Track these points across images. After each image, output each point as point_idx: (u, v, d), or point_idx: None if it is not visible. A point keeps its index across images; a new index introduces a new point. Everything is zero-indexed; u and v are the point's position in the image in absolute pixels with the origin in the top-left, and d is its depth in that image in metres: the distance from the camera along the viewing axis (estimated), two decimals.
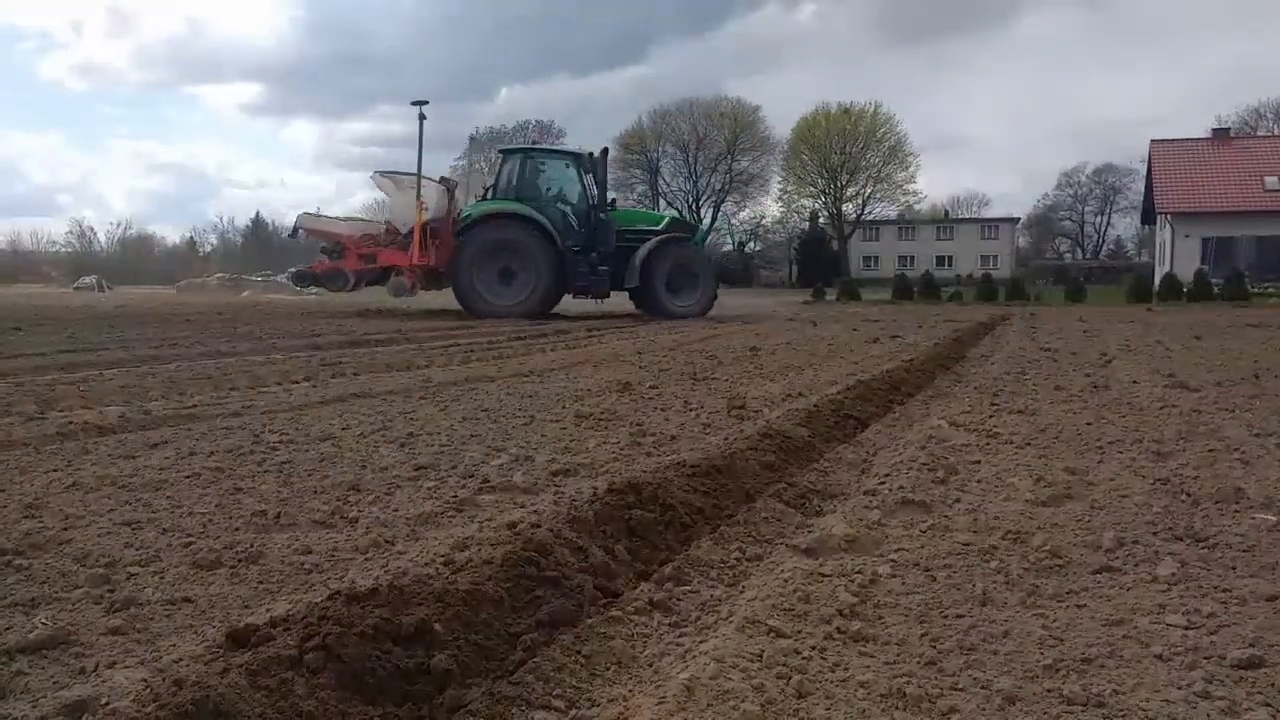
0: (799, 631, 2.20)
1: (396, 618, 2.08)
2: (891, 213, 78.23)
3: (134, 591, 2.48)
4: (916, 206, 79.48)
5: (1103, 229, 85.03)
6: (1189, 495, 3.46)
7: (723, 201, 77.67)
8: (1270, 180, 42.65)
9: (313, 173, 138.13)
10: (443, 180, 21.01)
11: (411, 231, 18.67)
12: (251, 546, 2.87)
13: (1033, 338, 12.16)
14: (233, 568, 2.71)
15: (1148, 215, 50.50)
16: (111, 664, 2.04)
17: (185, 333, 12.19)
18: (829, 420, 5.17)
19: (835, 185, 73.75)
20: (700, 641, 2.17)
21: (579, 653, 2.12)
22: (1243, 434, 4.64)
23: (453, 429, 4.92)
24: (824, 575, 2.59)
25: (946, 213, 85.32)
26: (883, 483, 3.67)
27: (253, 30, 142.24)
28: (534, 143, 21.32)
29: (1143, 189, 51.98)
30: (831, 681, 1.98)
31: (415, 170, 19.10)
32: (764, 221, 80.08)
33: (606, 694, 1.97)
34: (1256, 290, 30.68)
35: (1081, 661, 2.07)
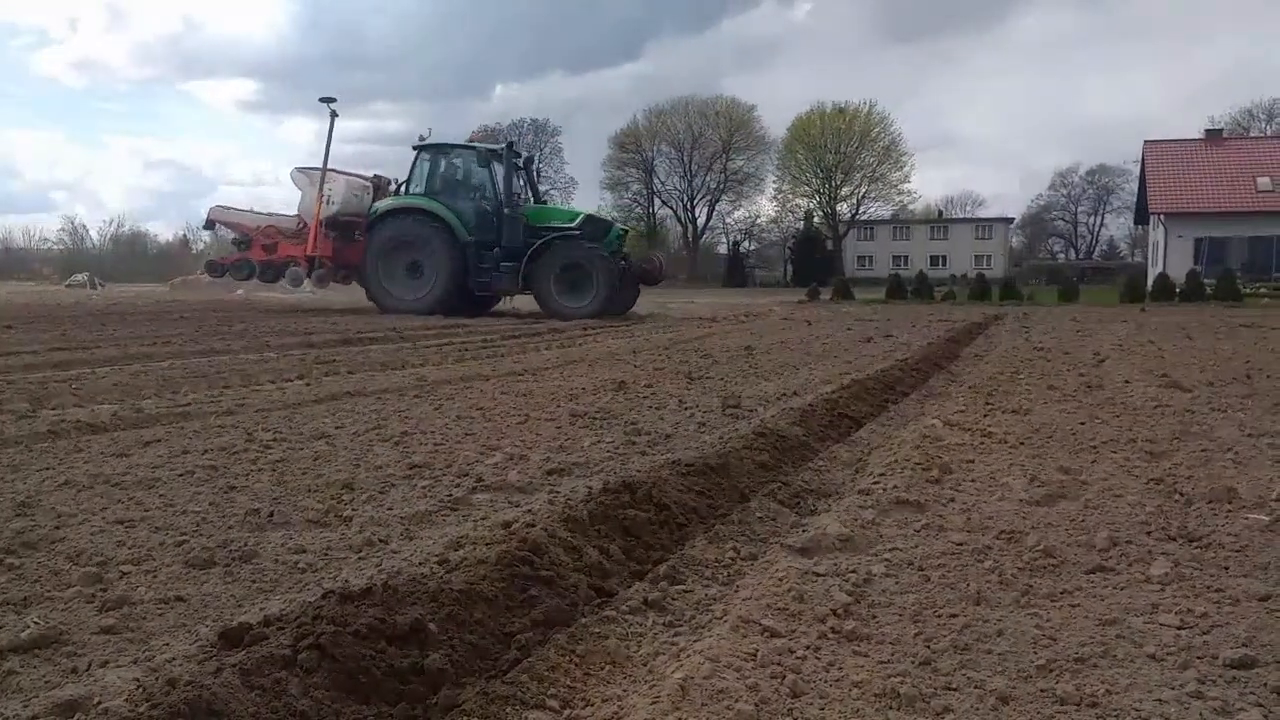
0: (793, 631, 2.20)
1: (390, 617, 2.08)
2: (886, 212, 78.32)
3: (127, 590, 2.47)
4: (911, 206, 79.62)
5: (1096, 229, 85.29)
6: (1182, 495, 3.46)
7: (718, 201, 77.73)
8: (1262, 181, 42.77)
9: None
10: (375, 178, 21.30)
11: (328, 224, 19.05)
12: (245, 545, 2.86)
13: (1026, 337, 12.18)
14: (226, 566, 2.70)
15: (1141, 216, 50.61)
16: (104, 663, 2.04)
17: (178, 331, 12.16)
18: (823, 419, 5.17)
19: (830, 185, 73.82)
20: (695, 641, 2.17)
21: (573, 652, 2.12)
22: (1235, 434, 4.65)
23: (447, 428, 4.91)
24: (818, 574, 2.60)
25: (941, 213, 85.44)
26: (877, 482, 3.67)
27: (249, 27, 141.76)
28: (512, 141, 20.97)
29: (1136, 189, 52.16)
30: (825, 681, 1.98)
31: (337, 168, 19.55)
32: (759, 221, 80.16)
33: (601, 693, 1.97)
34: (1248, 291, 30.77)
35: (1075, 661, 2.07)
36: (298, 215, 20.27)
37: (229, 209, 21.58)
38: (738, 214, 79.96)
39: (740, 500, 3.51)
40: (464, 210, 18.81)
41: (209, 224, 22.73)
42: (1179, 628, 2.24)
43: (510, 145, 19.80)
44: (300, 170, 20.66)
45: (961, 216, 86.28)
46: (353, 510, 3.30)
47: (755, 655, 2.04)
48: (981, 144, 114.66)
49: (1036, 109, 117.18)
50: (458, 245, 18.42)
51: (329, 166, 19.85)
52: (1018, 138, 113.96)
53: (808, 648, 2.12)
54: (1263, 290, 32.24)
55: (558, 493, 3.40)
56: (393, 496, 3.49)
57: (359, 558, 2.79)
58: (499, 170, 19.10)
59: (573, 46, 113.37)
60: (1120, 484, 3.67)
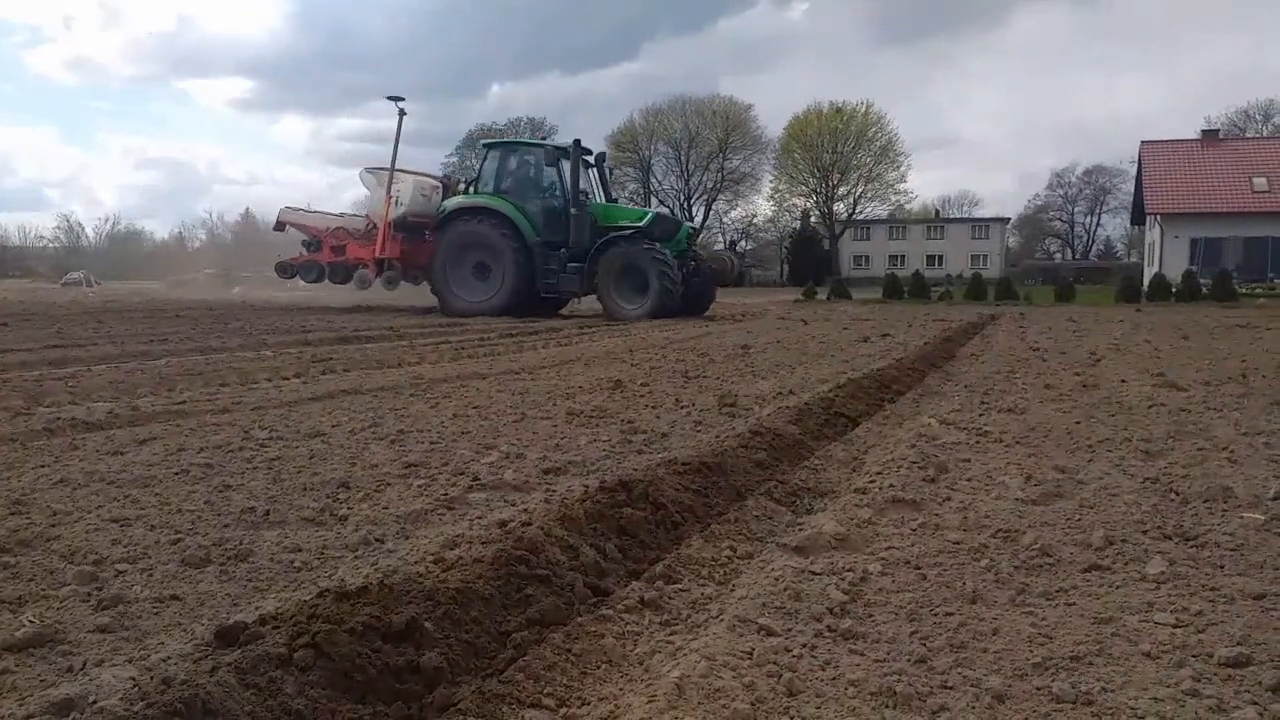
0: (789, 630, 2.20)
1: (386, 616, 2.08)
2: (882, 212, 78.38)
3: (122, 589, 2.46)
4: (907, 206, 79.70)
5: (1092, 229, 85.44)
6: (1178, 494, 3.47)
7: (714, 200, 77.72)
8: (1258, 181, 42.85)
9: (304, 168, 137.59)
10: (444, 177, 21.04)
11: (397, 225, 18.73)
12: (241, 544, 2.86)
13: (1022, 337, 12.20)
14: (222, 565, 2.69)
15: (1137, 216, 50.68)
16: (99, 662, 2.03)
17: (174, 328, 12.14)
18: (820, 418, 5.17)
19: (827, 184, 73.88)
20: (691, 640, 2.17)
21: (569, 651, 2.12)
22: (1231, 433, 4.66)
23: (443, 426, 4.91)
24: (814, 573, 2.60)
25: (937, 212, 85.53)
26: (873, 481, 3.67)
27: (244, 25, 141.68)
28: (578, 140, 20.50)
29: (1132, 189, 52.25)
30: (822, 680, 1.98)
31: (407, 167, 19.25)
32: (755, 220, 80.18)
33: (597, 692, 1.97)
34: (1244, 291, 30.83)
35: (1071, 659, 2.07)
36: (366, 216, 20.12)
37: (299, 210, 21.49)
38: (734, 213, 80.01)
39: (737, 499, 3.51)
40: (532, 209, 18.41)
41: (279, 225, 22.42)
42: (1174, 626, 2.24)
43: (578, 142, 19.29)
44: (369, 171, 20.58)
45: (958, 216, 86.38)
46: (348, 509, 3.29)
47: (751, 654, 2.03)
48: (978, 144, 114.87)
49: (1033, 109, 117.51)
50: (525, 246, 18.04)
51: (397, 167, 19.66)
52: (1014, 138, 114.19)
53: (804, 646, 2.12)
54: (1258, 291, 32.30)
55: (554, 492, 3.39)
56: (389, 495, 3.49)
57: (355, 556, 2.79)
58: (567, 168, 18.63)
59: (569, 46, 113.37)
60: (1116, 483, 3.68)
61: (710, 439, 4.28)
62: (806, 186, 75.17)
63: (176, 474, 3.73)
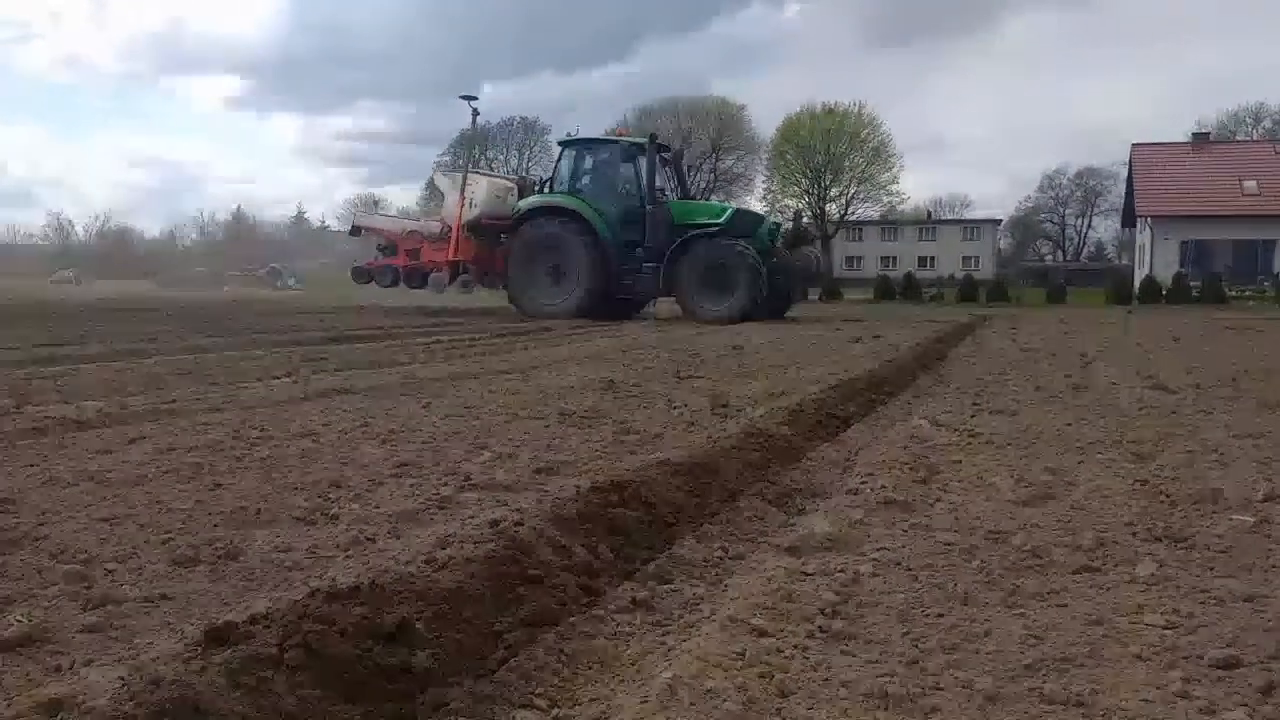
0: (781, 630, 2.20)
1: (378, 616, 2.07)
2: (875, 213, 78.40)
3: (111, 588, 2.45)
4: (899, 207, 79.75)
5: (1084, 231, 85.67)
6: (1168, 496, 3.48)
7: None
8: (1249, 184, 43.07)
9: (295, 168, 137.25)
10: (519, 179, 20.79)
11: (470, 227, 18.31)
12: (231, 543, 2.84)
13: (1013, 339, 12.24)
14: (212, 565, 2.68)
15: (1128, 218, 50.90)
16: (88, 662, 2.02)
17: (164, 327, 12.10)
18: (812, 419, 5.18)
19: (819, 185, 73.90)
20: (683, 640, 2.17)
21: (561, 651, 2.12)
22: (1221, 435, 4.68)
23: (435, 426, 4.90)
24: (806, 574, 2.60)
25: (929, 214, 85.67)
26: (865, 482, 3.67)
27: (235, 23, 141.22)
28: (654, 134, 19.87)
29: (1123, 192, 52.38)
30: (814, 681, 1.98)
31: (487, 169, 19.03)
32: None
33: (589, 693, 1.97)
34: (1234, 293, 31.01)
35: (1062, 661, 2.08)
36: (440, 219, 19.79)
37: (374, 214, 21.43)
38: None
39: (729, 500, 3.51)
40: (607, 208, 17.81)
41: (354, 230, 22.22)
42: (1165, 628, 2.25)
43: (653, 137, 18.77)
44: (443, 173, 20.38)
45: (950, 218, 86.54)
46: (340, 508, 3.28)
47: (743, 655, 2.03)
48: (970, 146, 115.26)
49: (1025, 111, 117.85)
50: (600, 246, 17.41)
51: (468, 170, 19.38)
52: (1006, 140, 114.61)
53: (796, 647, 2.12)
54: (1248, 293, 32.46)
55: (546, 492, 3.38)
56: (380, 495, 3.48)
57: (346, 556, 2.78)
58: (643, 165, 17.95)
59: (562, 46, 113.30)
60: (1107, 485, 3.69)
61: (702, 439, 4.28)
62: (799, 187, 75.16)
63: (166, 473, 3.71)
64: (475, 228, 18.54)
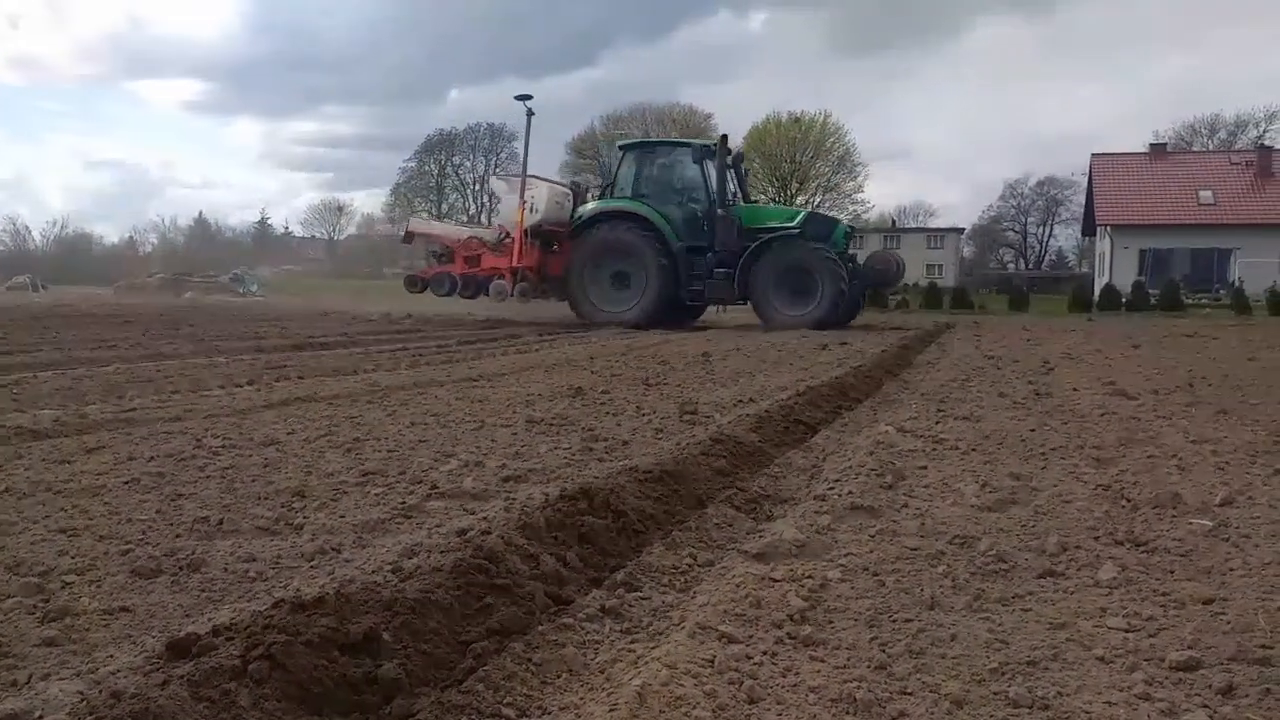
0: (750, 637, 2.21)
1: (343, 626, 2.05)
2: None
3: (69, 601, 2.41)
4: (864, 216, 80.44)
5: (1045, 240, 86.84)
6: (1129, 501, 3.53)
7: None
8: (1204, 195, 43.94)
9: (258, 172, 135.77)
10: (573, 184, 20.20)
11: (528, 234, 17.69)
12: (193, 554, 2.80)
13: (977, 346, 12.37)
14: (173, 576, 2.64)
15: (1088, 227, 51.70)
16: (46, 676, 1.98)
17: (124, 334, 11.90)
18: (779, 426, 5.20)
19: (785, 193, 74.37)
20: (652, 648, 2.16)
21: (530, 661, 2.11)
22: (1180, 441, 4.76)
23: (400, 434, 4.86)
24: (775, 580, 2.61)
25: (893, 222, 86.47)
26: (832, 488, 3.70)
27: (196, 26, 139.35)
28: (726, 135, 19.14)
29: (1084, 201, 53.29)
30: (782, 687, 1.98)
31: (537, 173, 18.39)
32: None
33: (558, 702, 1.96)
34: (1190, 301, 31.60)
35: (1027, 664, 2.10)
36: (499, 226, 19.14)
37: (429, 220, 20.73)
38: None
39: (697, 507, 3.51)
40: (673, 213, 17.23)
41: (407, 237, 21.61)
42: (1127, 631, 2.28)
43: (725, 139, 18.09)
44: (499, 177, 19.85)
45: (914, 226, 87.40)
46: (304, 518, 3.25)
47: (713, 662, 2.04)
48: (934, 155, 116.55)
49: (987, 121, 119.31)
50: (668, 251, 16.82)
51: (519, 175, 18.52)
52: (969, 149, 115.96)
53: (765, 653, 2.13)
54: (1204, 301, 33.10)
55: (514, 500, 3.37)
56: (345, 504, 3.45)
57: (311, 566, 2.75)
58: (711, 169, 17.41)
59: (528, 52, 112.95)
60: (1069, 490, 3.74)
61: (671, 447, 4.28)
62: (765, 195, 75.67)
63: (126, 483, 3.65)
64: (536, 233, 17.93)
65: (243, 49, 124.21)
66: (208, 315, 17.81)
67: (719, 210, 17.08)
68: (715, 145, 17.75)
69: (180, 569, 2.69)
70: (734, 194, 18.14)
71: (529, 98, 18.72)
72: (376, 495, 3.56)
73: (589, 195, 19.58)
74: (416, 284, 19.70)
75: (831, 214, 18.42)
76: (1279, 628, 2.26)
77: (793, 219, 17.53)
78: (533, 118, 18.67)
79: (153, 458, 4.12)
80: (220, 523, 3.15)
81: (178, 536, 3.01)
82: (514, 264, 17.81)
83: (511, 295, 17.91)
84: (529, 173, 18.74)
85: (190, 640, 1.97)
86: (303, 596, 2.16)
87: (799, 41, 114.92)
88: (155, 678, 1.80)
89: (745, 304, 17.46)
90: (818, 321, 15.96)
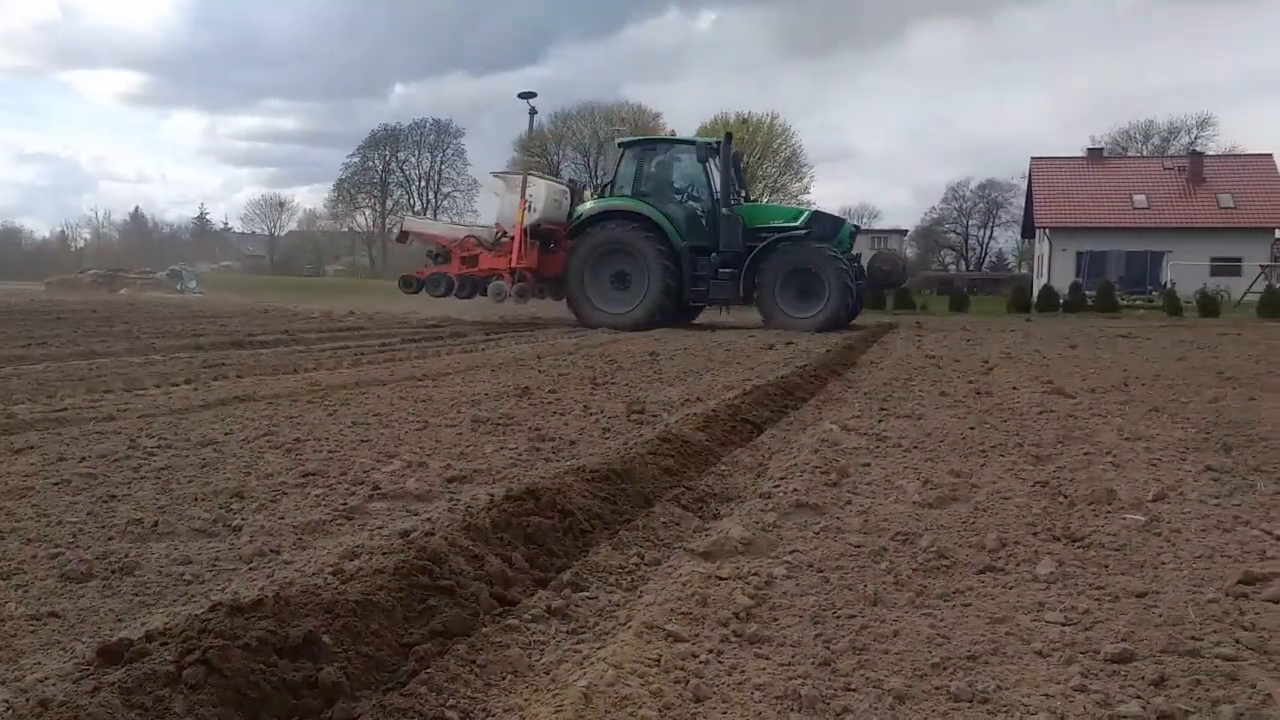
0: (696, 635, 2.21)
1: (282, 629, 2.01)
2: None
3: None
4: None
5: (985, 242, 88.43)
6: (1066, 497, 3.61)
7: None
8: (1139, 199, 45.14)
9: (197, 167, 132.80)
10: (571, 182, 19.74)
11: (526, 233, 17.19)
12: (126, 557, 2.73)
13: (919, 345, 12.56)
14: (105, 579, 2.57)
15: (1027, 229, 52.82)
16: None
17: (55, 331, 11.57)
18: (726, 424, 5.22)
19: None
20: (598, 648, 2.16)
21: (474, 662, 2.08)
22: (1114, 438, 4.88)
23: (342, 434, 4.79)
24: (721, 578, 2.61)
25: None
26: (778, 485, 3.72)
27: (133, 17, 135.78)
28: (730, 134, 18.45)
29: (1023, 204, 54.37)
30: (728, 685, 1.99)
31: (540, 170, 17.96)
32: None
33: (502, 703, 1.94)
34: (1125, 303, 32.40)
35: (967, 659, 2.13)
36: (496, 225, 18.51)
37: (424, 219, 19.97)
38: None
39: (645, 506, 3.51)
40: (675, 212, 16.83)
41: (401, 236, 20.95)
42: (1064, 625, 2.33)
43: (729, 136, 17.76)
44: (497, 174, 19.10)
45: (859, 228, 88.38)
46: (242, 519, 3.18)
47: (659, 661, 2.03)
48: (878, 157, 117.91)
49: (930, 124, 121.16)
50: (672, 251, 16.40)
51: (515, 172, 18.00)
52: (912, 152, 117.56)
53: (710, 652, 2.13)
54: (1139, 303, 34.00)
55: (458, 500, 3.34)
56: (284, 505, 3.38)
57: (249, 568, 2.70)
58: (715, 167, 17.00)
59: (474, 48, 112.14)
60: (1008, 486, 3.81)
61: (619, 446, 4.28)
62: None
63: (56, 485, 3.54)
64: (535, 233, 17.51)
65: (181, 41, 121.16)
66: (143, 312, 17.40)
67: (723, 210, 16.73)
68: (719, 143, 17.36)
69: (112, 572, 2.62)
70: (737, 193, 17.76)
71: (533, 95, 18.38)
72: (317, 496, 3.50)
73: (585, 193, 19.27)
74: (411, 284, 19.11)
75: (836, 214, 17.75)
76: (1208, 620, 2.33)
77: (797, 218, 17.20)
78: (535, 115, 18.41)
79: (84, 458, 4.01)
80: (155, 525, 3.07)
81: (110, 539, 2.93)
82: (513, 264, 17.41)
83: (510, 296, 17.57)
84: (520, 171, 18.49)
85: (122, 645, 1.91)
86: (240, 599, 2.12)
87: (747, 43, 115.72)
88: (85, 685, 1.75)
89: (749, 305, 17.18)
90: (824, 323, 15.76)
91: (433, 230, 19.95)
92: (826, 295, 16.05)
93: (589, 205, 17.82)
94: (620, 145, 19.04)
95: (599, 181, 18.70)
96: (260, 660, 1.92)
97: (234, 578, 2.61)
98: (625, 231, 16.61)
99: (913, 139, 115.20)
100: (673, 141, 19.16)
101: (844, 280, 16.08)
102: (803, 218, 17.12)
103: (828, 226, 17.07)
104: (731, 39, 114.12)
